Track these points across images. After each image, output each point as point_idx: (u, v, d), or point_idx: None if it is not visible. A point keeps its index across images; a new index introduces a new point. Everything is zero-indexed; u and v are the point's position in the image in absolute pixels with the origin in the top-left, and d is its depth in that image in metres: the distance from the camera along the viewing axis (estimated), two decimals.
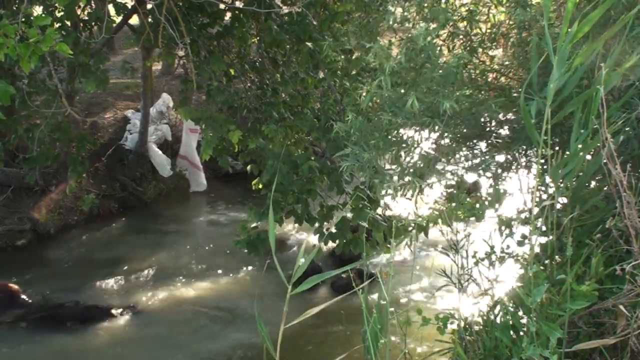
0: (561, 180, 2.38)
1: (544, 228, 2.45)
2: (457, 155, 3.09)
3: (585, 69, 2.28)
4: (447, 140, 3.07)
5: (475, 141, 3.08)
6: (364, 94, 2.89)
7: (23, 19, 3.17)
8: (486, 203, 2.91)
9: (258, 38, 6.23)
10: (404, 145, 2.95)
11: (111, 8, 5.85)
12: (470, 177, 3.18)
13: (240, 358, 5.65)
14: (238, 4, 5.91)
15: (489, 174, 3.04)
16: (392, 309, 2.69)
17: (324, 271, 4.07)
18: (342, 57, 5.37)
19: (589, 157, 2.47)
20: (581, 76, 2.37)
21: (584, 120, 2.28)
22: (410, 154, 2.97)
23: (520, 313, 2.47)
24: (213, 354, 5.73)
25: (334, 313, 6.08)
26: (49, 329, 6.07)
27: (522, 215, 2.83)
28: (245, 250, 5.47)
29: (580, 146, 2.31)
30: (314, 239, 5.72)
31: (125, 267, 7.40)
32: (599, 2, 2.20)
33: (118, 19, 6.32)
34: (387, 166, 3.01)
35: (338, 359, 2.61)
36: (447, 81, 2.74)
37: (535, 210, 2.47)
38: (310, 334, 5.79)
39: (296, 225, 5.66)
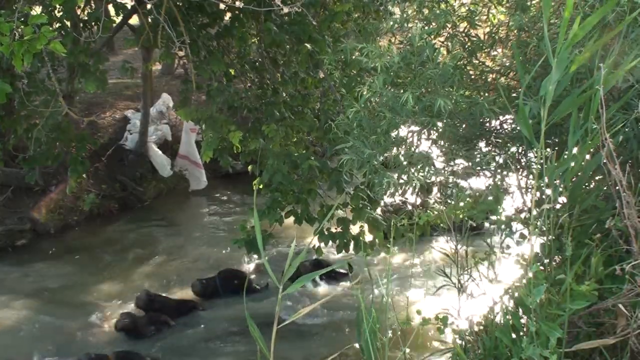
0: (559, 180, 2.38)
1: (543, 228, 2.45)
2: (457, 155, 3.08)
3: (578, 69, 2.28)
4: (446, 140, 3.07)
5: (474, 141, 3.08)
6: (364, 92, 2.88)
7: (21, 18, 3.16)
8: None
9: (258, 38, 6.22)
10: (403, 144, 2.95)
11: (111, 8, 5.84)
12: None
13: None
14: (238, 4, 5.89)
15: (488, 174, 3.03)
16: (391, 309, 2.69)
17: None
18: (342, 57, 5.36)
19: (588, 157, 2.47)
20: (580, 76, 2.37)
21: (582, 120, 2.28)
22: (410, 153, 2.97)
23: (520, 313, 2.47)
24: (218, 354, 5.73)
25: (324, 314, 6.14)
26: None
27: (522, 215, 2.82)
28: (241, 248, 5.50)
29: (577, 147, 2.31)
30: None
31: (126, 267, 7.40)
32: (596, 4, 2.20)
33: (118, 19, 6.30)
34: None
35: (329, 358, 2.60)
36: (444, 80, 2.73)
37: (535, 210, 2.47)
38: (302, 334, 5.80)
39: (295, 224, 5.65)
